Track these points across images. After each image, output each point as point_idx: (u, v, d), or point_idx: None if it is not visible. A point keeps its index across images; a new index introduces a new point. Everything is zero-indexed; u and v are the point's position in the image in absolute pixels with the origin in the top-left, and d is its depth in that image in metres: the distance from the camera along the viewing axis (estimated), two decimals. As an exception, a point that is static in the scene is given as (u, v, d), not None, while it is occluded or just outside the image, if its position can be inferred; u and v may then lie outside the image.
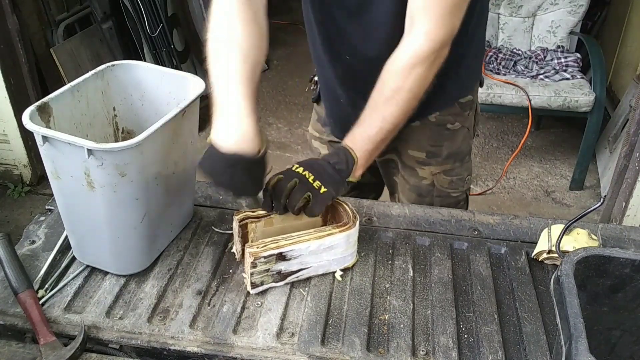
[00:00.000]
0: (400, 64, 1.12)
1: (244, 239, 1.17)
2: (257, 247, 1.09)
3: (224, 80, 1.15)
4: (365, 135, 1.15)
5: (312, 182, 1.10)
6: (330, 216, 1.22)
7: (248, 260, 1.08)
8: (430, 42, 1.09)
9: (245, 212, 1.17)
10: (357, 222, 1.15)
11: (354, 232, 1.15)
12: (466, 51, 1.30)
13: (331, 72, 1.36)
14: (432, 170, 1.44)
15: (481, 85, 1.48)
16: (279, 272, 1.12)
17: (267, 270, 1.10)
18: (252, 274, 1.09)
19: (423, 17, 1.08)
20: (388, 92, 1.13)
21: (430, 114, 1.37)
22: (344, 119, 1.35)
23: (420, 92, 1.14)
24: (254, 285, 1.11)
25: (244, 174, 1.07)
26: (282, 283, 1.14)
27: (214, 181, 1.08)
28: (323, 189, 1.10)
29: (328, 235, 1.12)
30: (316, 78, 1.50)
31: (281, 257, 1.10)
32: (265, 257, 1.09)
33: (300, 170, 1.12)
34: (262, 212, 1.17)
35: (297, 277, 1.14)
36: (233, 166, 1.06)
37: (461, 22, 1.12)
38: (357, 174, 1.15)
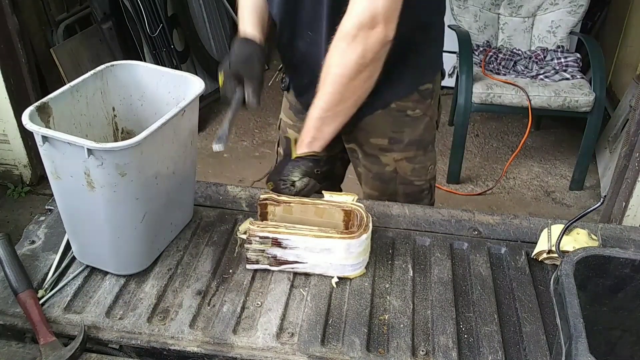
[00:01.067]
0: (347, 30, 1.17)
1: (263, 219, 1.22)
2: (257, 226, 1.13)
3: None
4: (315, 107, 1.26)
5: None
6: (351, 223, 1.21)
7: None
8: (354, 18, 1.15)
9: (269, 193, 1.23)
10: (364, 236, 1.13)
11: (355, 243, 1.13)
12: (422, 39, 1.36)
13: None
14: (395, 157, 1.46)
15: (443, 77, 1.52)
16: (274, 257, 1.14)
17: (263, 252, 1.14)
18: (247, 249, 1.14)
19: None
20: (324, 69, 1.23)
21: (391, 101, 1.41)
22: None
23: (347, 68, 1.19)
24: (249, 260, 1.15)
25: (251, 51, 1.31)
26: (277, 269, 1.15)
27: (229, 58, 1.31)
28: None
29: (327, 237, 1.12)
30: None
31: (277, 242, 1.13)
32: (260, 237, 1.12)
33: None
34: (284, 197, 1.22)
35: (293, 268, 1.15)
36: (245, 42, 1.33)
37: (414, 11, 1.17)
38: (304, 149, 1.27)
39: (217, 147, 1.23)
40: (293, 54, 1.43)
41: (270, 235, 1.12)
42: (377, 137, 1.45)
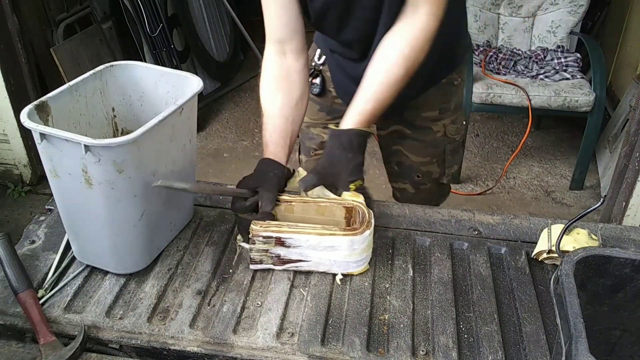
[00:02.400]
0: (417, 41, 1.23)
1: None
2: (260, 226, 1.12)
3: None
4: (365, 98, 1.27)
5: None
6: (353, 219, 1.21)
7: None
8: (436, 21, 1.22)
9: None
10: (367, 232, 1.13)
11: (359, 240, 1.13)
12: (461, 16, 1.50)
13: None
14: (445, 123, 1.57)
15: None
16: (278, 256, 1.14)
17: (266, 251, 1.13)
18: (251, 249, 1.13)
19: (427, 2, 1.21)
20: (403, 69, 1.24)
21: (444, 77, 1.51)
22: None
23: (421, 62, 1.26)
24: (253, 261, 1.15)
25: (271, 168, 1.26)
26: (281, 268, 1.15)
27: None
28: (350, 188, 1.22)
29: (330, 235, 1.12)
30: (320, 76, 1.59)
31: (280, 242, 1.13)
32: (263, 237, 1.12)
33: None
34: (285, 196, 1.22)
35: (297, 267, 1.15)
36: (268, 161, 1.28)
37: None
38: (359, 126, 1.27)
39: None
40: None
41: (274, 234, 1.12)
42: (428, 111, 1.55)
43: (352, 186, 1.22)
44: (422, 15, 1.21)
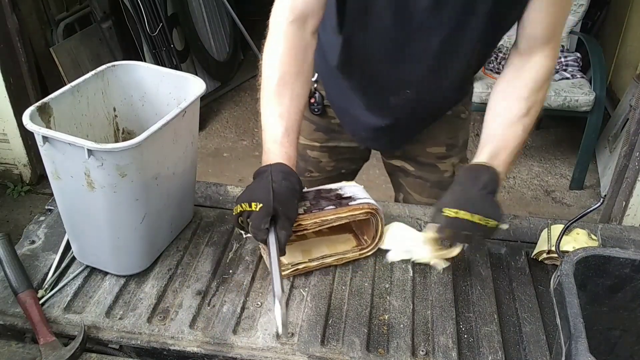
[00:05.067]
0: (535, 81, 1.17)
1: None
2: (284, 271, 1.13)
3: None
4: (507, 150, 1.15)
5: (477, 220, 1.04)
6: (360, 232, 1.23)
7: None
8: (553, 61, 1.20)
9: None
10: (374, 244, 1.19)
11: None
12: None
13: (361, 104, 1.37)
14: (453, 162, 1.49)
15: None
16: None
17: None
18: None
19: (546, 45, 1.17)
20: (530, 105, 1.17)
21: (450, 109, 1.43)
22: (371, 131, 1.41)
23: (543, 104, 1.21)
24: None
25: (293, 186, 1.09)
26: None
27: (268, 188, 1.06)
28: (485, 222, 1.05)
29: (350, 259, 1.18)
30: (318, 93, 1.45)
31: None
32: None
33: (457, 213, 1.05)
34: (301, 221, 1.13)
35: None
36: (286, 175, 1.09)
37: None
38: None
39: (283, 331, 0.95)
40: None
41: (294, 274, 1.16)
42: (433, 146, 1.46)
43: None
44: (542, 58, 1.17)
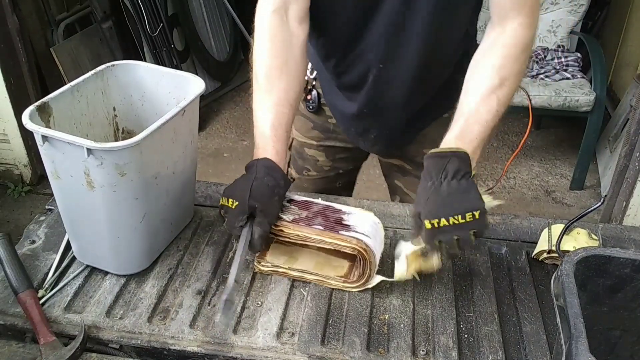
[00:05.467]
0: (510, 49, 1.12)
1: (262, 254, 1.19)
2: (264, 266, 1.15)
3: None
4: (481, 123, 1.09)
5: (459, 221, 0.99)
6: (356, 265, 1.14)
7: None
8: (531, 31, 1.13)
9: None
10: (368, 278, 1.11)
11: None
12: (471, 46, 1.32)
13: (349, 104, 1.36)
14: None
15: None
16: None
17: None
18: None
19: (519, 12, 1.11)
20: (504, 75, 1.11)
21: (446, 111, 1.36)
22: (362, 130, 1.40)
23: (521, 77, 1.14)
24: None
25: (275, 183, 1.10)
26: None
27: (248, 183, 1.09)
28: (470, 217, 0.99)
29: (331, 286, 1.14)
30: (315, 91, 1.45)
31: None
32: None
33: (436, 223, 0.99)
34: (284, 223, 1.12)
35: None
36: (270, 170, 1.11)
37: (474, 28, 1.21)
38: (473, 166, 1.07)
39: (220, 319, 0.99)
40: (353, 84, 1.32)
41: (270, 271, 1.16)
42: (429, 147, 1.40)
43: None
44: (514, 28, 1.11)
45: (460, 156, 1.03)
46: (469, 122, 1.09)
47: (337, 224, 1.13)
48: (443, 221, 0.99)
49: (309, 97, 1.45)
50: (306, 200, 1.19)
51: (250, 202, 1.06)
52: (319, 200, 1.21)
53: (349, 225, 1.12)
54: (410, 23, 1.16)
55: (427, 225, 1.00)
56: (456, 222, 0.98)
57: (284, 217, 1.13)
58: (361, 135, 1.44)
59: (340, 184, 1.62)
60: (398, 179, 1.55)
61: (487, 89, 1.10)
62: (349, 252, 1.09)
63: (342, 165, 1.59)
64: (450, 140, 1.08)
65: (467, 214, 0.99)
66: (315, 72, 1.43)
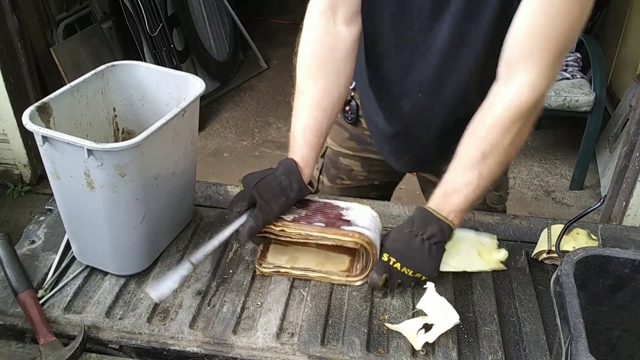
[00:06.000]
0: (500, 118, 1.04)
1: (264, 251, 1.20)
2: (265, 268, 1.15)
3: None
4: (460, 196, 1.07)
5: (407, 273, 1.08)
6: (357, 258, 1.17)
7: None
8: (533, 93, 1.01)
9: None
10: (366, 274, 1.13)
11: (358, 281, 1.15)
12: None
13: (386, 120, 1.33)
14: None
15: None
16: None
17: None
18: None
19: (526, 65, 1.00)
20: (486, 148, 1.05)
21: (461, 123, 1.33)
22: (398, 151, 1.39)
23: (520, 146, 1.07)
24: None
25: (286, 184, 1.11)
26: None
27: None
28: (418, 275, 1.09)
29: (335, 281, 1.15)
30: (354, 102, 1.42)
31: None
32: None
33: (392, 261, 1.08)
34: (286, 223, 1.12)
35: None
36: (289, 172, 1.13)
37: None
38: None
39: (153, 293, 1.01)
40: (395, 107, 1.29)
41: (272, 272, 1.16)
42: None
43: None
44: (518, 86, 1.01)
45: (443, 226, 1.08)
46: (447, 193, 1.09)
47: (337, 219, 1.14)
48: (397, 265, 1.08)
49: (347, 107, 1.41)
50: (304, 199, 1.19)
51: (252, 191, 1.08)
52: (316, 198, 1.21)
53: (349, 220, 1.14)
54: (463, 58, 1.11)
55: (385, 257, 1.09)
56: (405, 272, 1.08)
57: (285, 216, 1.13)
58: (394, 156, 1.41)
59: (375, 195, 1.55)
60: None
61: (468, 161, 1.07)
62: (352, 246, 1.11)
63: (378, 177, 1.55)
64: (432, 207, 1.10)
65: (417, 273, 1.09)
66: (354, 83, 1.37)
